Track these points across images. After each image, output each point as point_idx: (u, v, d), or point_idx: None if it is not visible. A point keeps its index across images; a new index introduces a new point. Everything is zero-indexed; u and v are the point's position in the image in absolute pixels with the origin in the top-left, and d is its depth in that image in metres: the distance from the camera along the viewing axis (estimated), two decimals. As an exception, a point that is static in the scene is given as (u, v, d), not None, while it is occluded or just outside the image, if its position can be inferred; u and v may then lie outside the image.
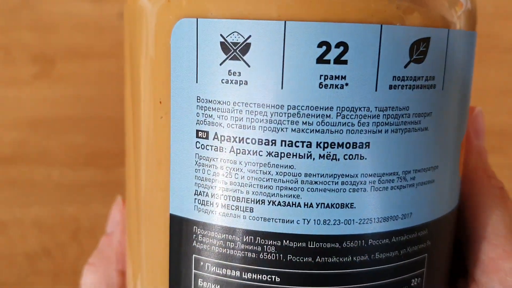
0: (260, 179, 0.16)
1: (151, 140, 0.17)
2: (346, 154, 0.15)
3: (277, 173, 0.15)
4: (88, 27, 0.45)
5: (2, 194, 0.34)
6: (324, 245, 0.16)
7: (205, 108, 0.16)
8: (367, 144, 0.15)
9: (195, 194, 0.16)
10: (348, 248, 0.16)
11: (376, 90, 0.15)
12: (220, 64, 0.15)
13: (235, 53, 0.15)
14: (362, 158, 0.15)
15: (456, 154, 0.18)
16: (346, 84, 0.15)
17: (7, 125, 0.37)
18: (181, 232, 0.17)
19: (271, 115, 0.15)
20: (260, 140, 0.15)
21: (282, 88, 0.15)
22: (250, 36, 0.15)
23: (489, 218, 0.19)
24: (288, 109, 0.15)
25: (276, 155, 0.15)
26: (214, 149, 0.16)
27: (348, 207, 0.16)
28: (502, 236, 0.18)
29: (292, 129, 0.15)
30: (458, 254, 0.20)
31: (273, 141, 0.15)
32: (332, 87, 0.15)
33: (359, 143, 0.15)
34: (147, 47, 0.17)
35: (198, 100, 0.16)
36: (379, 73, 0.15)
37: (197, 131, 0.16)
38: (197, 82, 0.16)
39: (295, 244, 0.16)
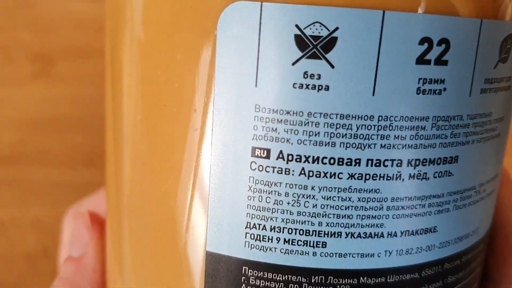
0: (337, 208, 0.13)
1: (176, 155, 0.13)
2: (436, 172, 0.13)
3: (359, 199, 0.13)
4: (88, 27, 0.43)
5: (1, 194, 0.33)
6: (404, 277, 0.13)
7: (267, 120, 0.12)
8: (455, 158, 0.13)
9: (246, 227, 0.13)
10: (426, 277, 0.14)
11: (470, 96, 0.13)
12: (293, 64, 0.12)
13: (315, 49, 0.12)
14: (450, 174, 0.13)
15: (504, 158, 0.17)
16: (444, 89, 0.12)
17: (6, 124, 0.36)
18: (224, 274, 0.13)
19: (357, 129, 0.12)
20: (340, 160, 0.12)
21: (373, 94, 0.12)
22: (337, 28, 0.11)
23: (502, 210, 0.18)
24: (378, 120, 0.12)
25: (359, 178, 0.12)
26: (278, 171, 0.12)
27: (431, 232, 0.13)
28: None
29: (381, 145, 0.12)
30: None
31: (357, 161, 0.12)
32: (430, 93, 0.12)
33: (449, 158, 0.13)
34: (176, 37, 0.13)
35: (257, 110, 0.12)
36: (474, 76, 0.13)
37: (254, 148, 0.12)
38: (256, 87, 0.12)
39: (374, 280, 0.13)
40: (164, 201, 0.14)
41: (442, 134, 0.13)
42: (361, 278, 0.13)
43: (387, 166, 0.12)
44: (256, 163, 0.12)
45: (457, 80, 0.12)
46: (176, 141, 0.13)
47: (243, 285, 0.13)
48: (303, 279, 0.13)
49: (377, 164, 0.12)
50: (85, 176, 0.35)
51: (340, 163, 0.12)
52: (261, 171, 0.12)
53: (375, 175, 0.12)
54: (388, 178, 0.13)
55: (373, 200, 0.13)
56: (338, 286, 0.13)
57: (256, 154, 0.12)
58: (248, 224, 0.13)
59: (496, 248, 0.18)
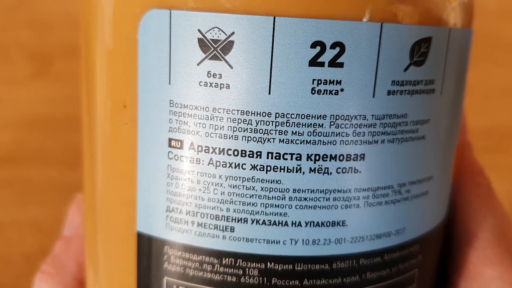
0: (242, 195, 0.14)
1: (113, 148, 0.15)
2: (339, 168, 0.14)
3: (262, 188, 0.14)
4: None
5: (0, 194, 0.33)
6: (313, 267, 0.14)
7: (180, 114, 0.14)
8: (361, 156, 0.14)
9: (167, 210, 0.14)
10: (338, 270, 0.14)
11: (373, 97, 0.14)
12: (198, 64, 0.13)
13: (215, 52, 0.13)
14: (356, 171, 0.14)
15: (450, 162, 0.17)
16: (341, 90, 0.13)
17: (5, 124, 0.37)
18: (150, 252, 0.15)
19: (257, 124, 0.13)
20: (243, 152, 0.14)
21: (269, 93, 0.13)
22: (233, 33, 0.13)
23: (471, 220, 0.18)
24: (276, 117, 0.13)
25: (261, 169, 0.14)
26: (190, 160, 0.14)
27: (340, 225, 0.14)
28: (484, 240, 0.17)
29: (280, 139, 0.13)
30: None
31: (258, 153, 0.13)
32: (326, 93, 0.13)
33: (353, 155, 0.14)
34: (106, 40, 0.15)
35: (171, 105, 0.14)
36: (377, 78, 0.13)
37: (170, 139, 0.14)
38: (170, 84, 0.14)
39: (281, 266, 0.14)
40: (107, 188, 0.16)
41: (342, 132, 0.13)
42: (269, 263, 0.14)
43: (286, 159, 0.13)
44: (172, 153, 0.14)
45: (356, 81, 0.13)
46: (112, 134, 0.15)
47: (166, 263, 0.15)
48: (215, 260, 0.14)
49: (277, 157, 0.13)
50: None
51: (243, 155, 0.14)
52: (176, 160, 0.14)
53: (275, 167, 0.14)
54: (289, 170, 0.14)
55: (276, 190, 0.14)
56: (247, 269, 0.14)
57: (172, 145, 0.14)
58: (168, 207, 0.14)
59: (453, 254, 0.18)
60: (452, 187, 0.19)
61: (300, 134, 0.13)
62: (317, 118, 0.13)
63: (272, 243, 0.14)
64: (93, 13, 0.15)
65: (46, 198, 0.33)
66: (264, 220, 0.14)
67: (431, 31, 0.14)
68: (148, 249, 0.15)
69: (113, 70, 0.15)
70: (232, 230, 0.14)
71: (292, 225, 0.14)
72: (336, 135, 0.13)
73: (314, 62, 0.13)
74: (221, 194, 0.14)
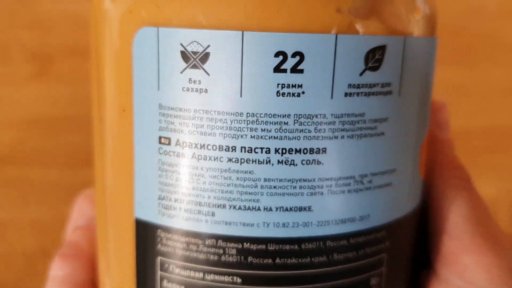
0: (221, 184, 0.16)
1: (116, 146, 0.18)
2: (304, 160, 0.16)
3: (237, 178, 0.16)
4: (86, 26, 0.44)
5: (0, 194, 0.34)
6: (283, 247, 0.16)
7: (167, 115, 0.16)
8: (323, 149, 0.16)
9: (159, 198, 0.17)
10: (307, 250, 0.17)
11: (331, 98, 0.16)
12: (181, 72, 0.16)
13: (195, 61, 0.15)
14: (319, 163, 0.16)
15: (415, 156, 0.19)
16: (303, 93, 0.15)
17: (5, 124, 0.37)
18: (146, 235, 0.17)
19: (231, 122, 0.16)
20: (220, 147, 0.16)
21: (241, 96, 0.15)
22: (209, 45, 0.15)
23: (450, 210, 0.19)
24: (247, 116, 0.15)
25: (236, 161, 0.16)
26: (176, 155, 0.16)
27: (306, 210, 0.16)
28: (462, 229, 0.19)
29: (251, 136, 0.16)
30: (423, 246, 0.21)
31: (233, 148, 0.16)
32: (289, 95, 0.15)
33: (316, 149, 0.16)
34: (110, 54, 0.17)
35: (160, 107, 0.16)
36: (334, 82, 0.16)
37: (160, 137, 0.16)
38: (158, 90, 0.16)
39: (255, 246, 0.16)
40: (112, 181, 0.18)
41: (305, 129, 0.16)
42: (245, 243, 0.16)
43: (257, 152, 0.16)
44: (162, 149, 0.16)
45: (315, 85, 0.15)
46: (114, 134, 0.18)
47: (159, 244, 0.17)
48: (199, 241, 0.17)
49: (249, 151, 0.16)
50: (84, 176, 0.34)
51: (220, 149, 0.16)
52: (166, 155, 0.16)
53: (248, 159, 0.16)
54: (260, 162, 0.16)
55: (249, 179, 0.16)
56: (226, 249, 0.16)
57: (162, 142, 0.16)
58: (160, 196, 0.17)
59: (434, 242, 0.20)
60: (432, 181, 0.20)
61: (268, 131, 0.16)
62: (283, 117, 0.15)
63: (247, 225, 0.16)
64: (101, 27, 0.17)
65: (46, 198, 0.34)
66: (240, 206, 0.16)
67: (385, 40, 0.16)
68: (144, 233, 0.17)
69: (115, 79, 0.17)
70: (213, 215, 0.16)
71: (264, 210, 0.16)
72: (300, 132, 0.16)
73: (278, 69, 0.15)
74: (203, 183, 0.16)
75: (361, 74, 0.16)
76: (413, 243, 0.20)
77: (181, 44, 0.15)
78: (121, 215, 0.18)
